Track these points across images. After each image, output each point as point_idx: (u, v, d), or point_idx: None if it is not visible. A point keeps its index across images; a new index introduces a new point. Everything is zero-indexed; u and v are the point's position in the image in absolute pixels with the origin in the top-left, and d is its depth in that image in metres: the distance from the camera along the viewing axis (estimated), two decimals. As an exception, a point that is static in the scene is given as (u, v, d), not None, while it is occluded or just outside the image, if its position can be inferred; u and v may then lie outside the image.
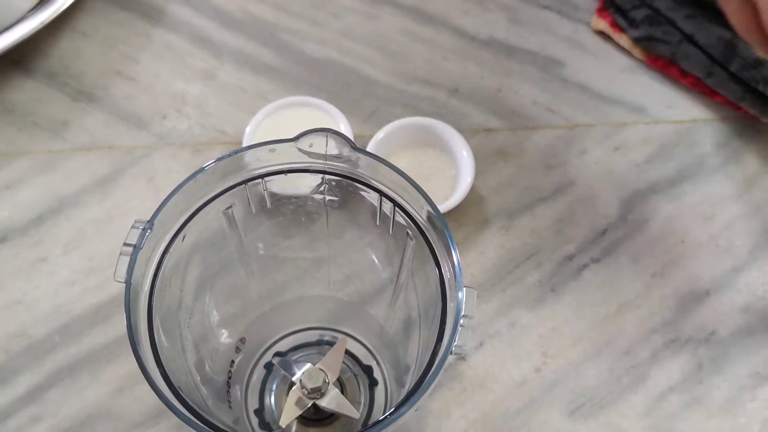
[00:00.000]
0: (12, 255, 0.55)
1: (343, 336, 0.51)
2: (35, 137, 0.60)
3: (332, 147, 0.38)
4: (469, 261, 0.56)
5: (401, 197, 0.38)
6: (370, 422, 0.48)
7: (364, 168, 0.39)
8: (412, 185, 0.37)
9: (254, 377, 0.50)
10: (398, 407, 0.32)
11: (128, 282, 0.34)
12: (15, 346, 0.52)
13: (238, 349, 0.48)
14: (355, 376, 0.50)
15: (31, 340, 0.53)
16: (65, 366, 0.52)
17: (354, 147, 0.37)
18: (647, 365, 0.53)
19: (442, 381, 0.52)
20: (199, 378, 0.41)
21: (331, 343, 0.51)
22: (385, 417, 0.32)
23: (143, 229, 0.35)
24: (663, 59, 0.64)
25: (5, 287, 0.54)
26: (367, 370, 0.50)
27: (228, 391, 0.46)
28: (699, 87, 0.63)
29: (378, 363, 0.50)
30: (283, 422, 0.41)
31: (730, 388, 0.52)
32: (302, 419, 0.47)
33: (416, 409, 0.33)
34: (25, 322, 0.53)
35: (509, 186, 0.59)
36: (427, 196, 0.36)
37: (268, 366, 0.50)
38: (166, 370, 0.34)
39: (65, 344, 0.52)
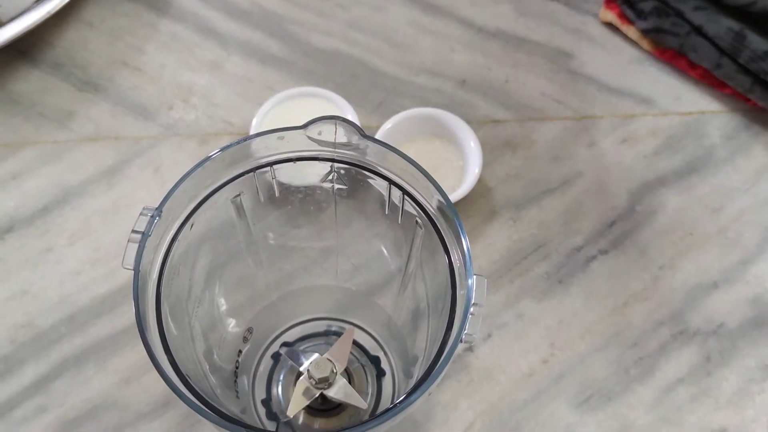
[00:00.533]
0: (18, 245, 0.55)
1: (351, 326, 0.51)
2: (41, 127, 0.60)
3: (341, 135, 0.37)
4: (477, 252, 0.55)
5: (410, 185, 0.38)
6: (378, 412, 0.48)
7: (373, 156, 0.38)
8: (422, 172, 0.36)
9: (261, 367, 0.49)
10: (409, 395, 0.32)
11: (137, 269, 0.34)
12: (21, 336, 0.52)
13: (245, 339, 0.47)
14: (363, 366, 0.49)
15: (37, 330, 0.52)
16: (71, 356, 0.52)
17: (363, 134, 0.37)
18: (655, 357, 0.52)
19: (450, 372, 0.51)
20: (207, 367, 0.41)
21: (338, 334, 0.51)
22: (395, 405, 0.32)
23: (152, 216, 0.35)
24: (671, 51, 0.63)
25: (11, 277, 0.54)
26: (375, 361, 0.50)
27: (235, 381, 0.46)
28: (707, 79, 0.63)
29: (386, 354, 0.50)
30: (290, 412, 0.41)
31: (738, 381, 0.52)
32: (309, 409, 0.47)
33: (429, 394, 0.32)
34: (31, 313, 0.53)
35: (517, 177, 0.59)
36: (436, 183, 0.36)
37: (276, 356, 0.50)
38: (175, 358, 0.34)
39: (71, 334, 0.52)
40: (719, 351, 0.53)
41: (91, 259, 0.55)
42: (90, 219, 0.56)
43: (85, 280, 0.54)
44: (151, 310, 0.35)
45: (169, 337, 0.34)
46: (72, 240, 0.56)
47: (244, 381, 0.48)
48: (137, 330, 0.33)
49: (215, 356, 0.43)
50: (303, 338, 0.51)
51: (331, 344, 0.45)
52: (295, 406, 0.41)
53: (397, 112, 0.57)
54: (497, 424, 0.50)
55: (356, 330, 0.51)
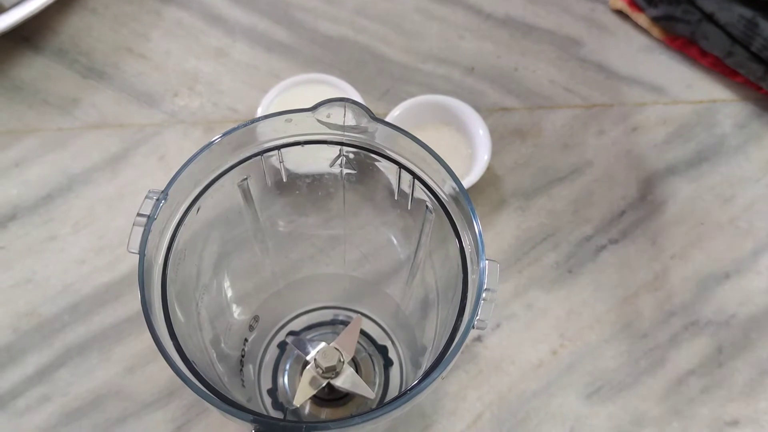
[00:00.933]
0: (22, 233, 0.55)
1: (358, 315, 0.50)
2: (45, 115, 0.60)
3: (350, 117, 0.37)
4: (486, 241, 0.54)
5: (420, 169, 0.37)
6: (386, 400, 0.47)
7: (383, 139, 0.38)
8: (432, 155, 0.36)
9: (267, 357, 0.49)
10: (420, 381, 0.31)
11: (142, 252, 0.33)
12: (24, 324, 0.52)
13: (251, 327, 0.47)
14: (370, 356, 0.49)
15: (40, 319, 0.52)
16: (75, 345, 0.51)
17: (373, 117, 0.36)
18: (666, 348, 0.52)
19: (458, 363, 0.51)
20: (215, 355, 0.40)
21: (345, 323, 0.50)
22: (406, 391, 0.31)
23: (157, 200, 0.34)
24: (682, 39, 0.63)
25: (15, 266, 0.54)
26: (383, 351, 0.49)
27: (241, 370, 0.45)
28: (718, 67, 0.62)
29: (393, 343, 0.49)
30: (297, 401, 0.40)
31: (750, 372, 0.51)
32: (316, 399, 0.47)
33: (443, 378, 0.32)
34: (35, 301, 0.52)
35: (526, 166, 0.58)
36: (447, 165, 0.35)
37: (282, 345, 0.49)
38: (181, 344, 0.33)
39: (75, 323, 0.52)
40: (731, 342, 0.52)
41: (95, 247, 0.54)
42: (94, 207, 0.56)
43: (89, 269, 0.54)
44: (157, 294, 0.34)
45: (175, 324, 0.34)
46: (76, 228, 0.55)
47: (250, 370, 0.47)
48: (142, 318, 0.32)
49: (222, 344, 0.43)
50: (309, 327, 0.50)
51: (338, 333, 0.44)
52: (302, 395, 0.41)
53: (404, 99, 0.57)
54: (506, 415, 0.49)
55: (363, 319, 0.50)
